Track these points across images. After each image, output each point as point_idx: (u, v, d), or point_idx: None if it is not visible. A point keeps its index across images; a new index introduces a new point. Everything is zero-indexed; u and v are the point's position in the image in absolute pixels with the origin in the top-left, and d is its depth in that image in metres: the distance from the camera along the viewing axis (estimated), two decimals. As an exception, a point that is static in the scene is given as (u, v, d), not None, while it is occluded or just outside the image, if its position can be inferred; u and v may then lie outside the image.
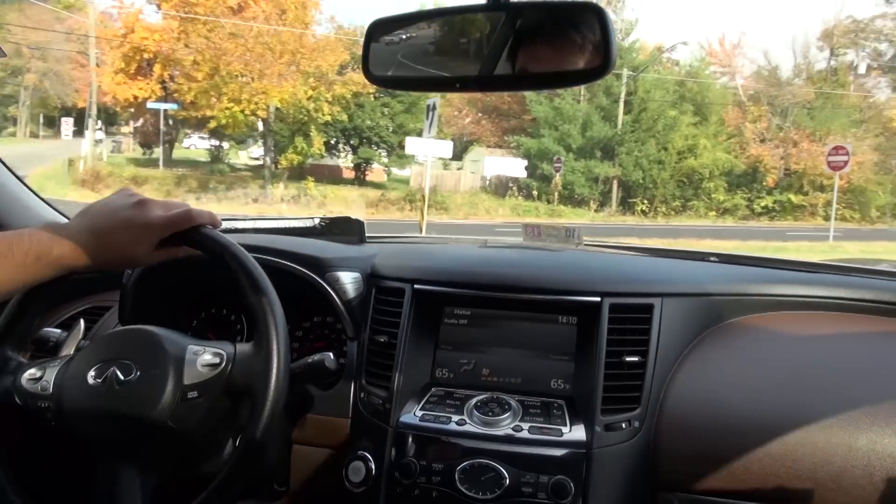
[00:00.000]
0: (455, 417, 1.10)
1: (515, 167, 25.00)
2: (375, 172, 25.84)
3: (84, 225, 0.93)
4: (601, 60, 0.84)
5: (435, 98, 10.74)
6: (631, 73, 23.87)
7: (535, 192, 23.82)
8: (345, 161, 26.28)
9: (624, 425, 1.07)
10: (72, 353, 1.07)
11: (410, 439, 1.09)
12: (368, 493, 1.08)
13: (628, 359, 1.11)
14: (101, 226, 0.93)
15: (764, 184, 24.36)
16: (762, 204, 24.26)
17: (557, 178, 23.12)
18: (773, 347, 1.19)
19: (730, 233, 18.34)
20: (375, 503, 1.08)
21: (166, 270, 1.19)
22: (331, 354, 1.07)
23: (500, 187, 25.12)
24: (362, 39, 0.99)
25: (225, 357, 0.96)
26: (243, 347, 0.98)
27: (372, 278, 1.30)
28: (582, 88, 23.90)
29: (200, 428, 0.96)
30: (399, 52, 0.98)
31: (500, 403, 1.11)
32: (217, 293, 1.38)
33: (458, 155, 28.08)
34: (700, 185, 24.02)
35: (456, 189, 24.89)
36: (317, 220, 1.56)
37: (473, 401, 1.12)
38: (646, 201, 23.91)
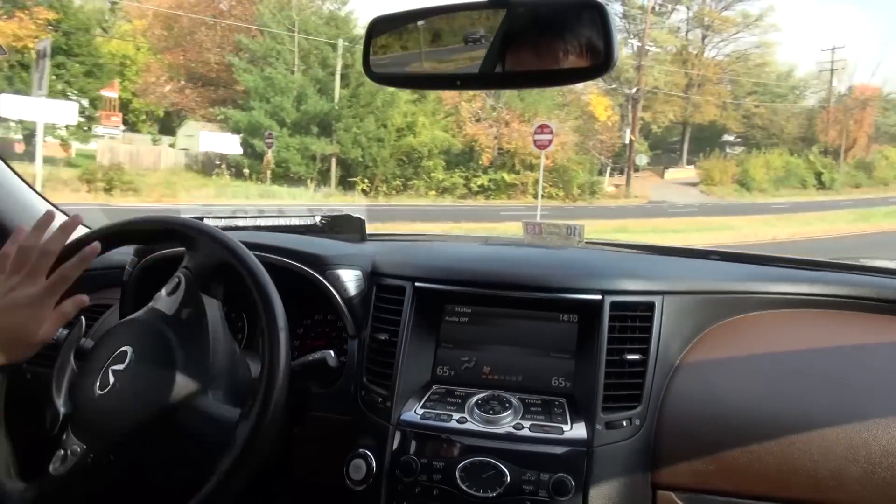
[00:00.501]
0: (456, 415, 1.10)
1: (231, 143, 22.48)
2: (50, 147, 21.37)
3: None
4: (602, 57, 0.84)
5: (46, 41, 8.19)
6: (347, 44, 22.63)
7: (246, 171, 21.56)
8: (15, 132, 21.39)
9: (625, 423, 1.07)
10: (70, 361, 1.07)
11: (411, 437, 1.09)
12: (369, 491, 1.08)
13: (629, 357, 1.11)
14: None
15: (480, 163, 24.62)
16: (479, 183, 24.52)
17: (269, 156, 21.17)
18: (774, 346, 1.19)
19: (448, 214, 18.00)
20: (376, 501, 1.08)
21: (167, 267, 1.19)
22: (332, 352, 1.09)
23: (209, 165, 22.43)
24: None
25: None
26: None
27: (373, 276, 1.30)
28: (296, 58, 22.10)
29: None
30: (400, 49, 0.99)
31: (501, 401, 1.11)
32: None
33: (169, 129, 24.95)
34: (420, 163, 23.68)
35: (155, 167, 21.71)
36: (318, 218, 1.56)
37: (474, 399, 1.13)
38: (367, 180, 23.01)
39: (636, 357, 1.11)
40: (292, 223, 1.55)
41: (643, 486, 1.07)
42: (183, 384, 0.96)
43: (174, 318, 1.02)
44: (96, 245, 1.00)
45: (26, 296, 0.95)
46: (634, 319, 1.14)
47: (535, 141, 16.73)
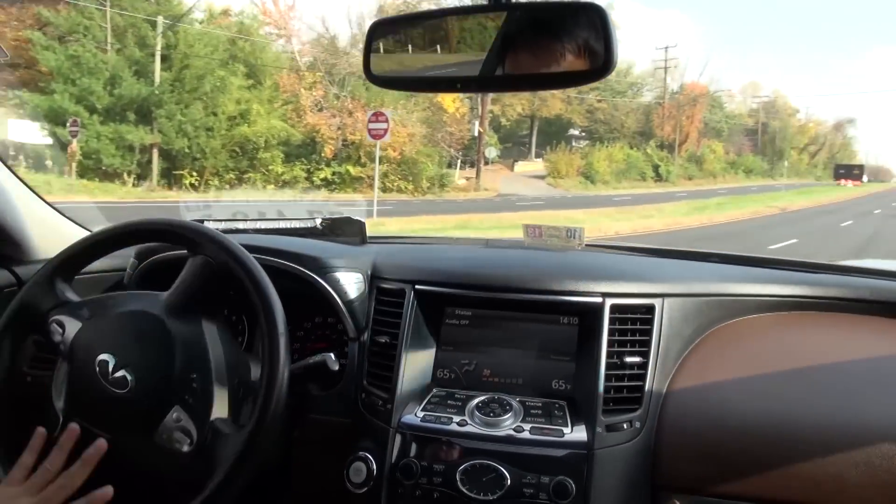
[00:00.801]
0: (456, 418, 1.10)
1: (31, 131, 19.44)
2: None
3: None
4: (602, 60, 0.85)
5: None
6: (168, 21, 20.34)
7: (49, 163, 18.71)
8: None
9: (625, 426, 1.07)
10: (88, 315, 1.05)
11: (412, 440, 1.09)
12: (369, 494, 1.08)
13: (629, 359, 1.11)
14: None
15: (322, 155, 22.91)
16: (321, 176, 22.75)
17: (74, 145, 18.39)
18: (774, 348, 1.20)
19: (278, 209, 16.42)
20: None
21: (168, 270, 1.21)
22: (332, 355, 1.10)
23: (3, 155, 19.26)
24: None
25: (195, 441, 0.95)
26: (219, 433, 0.96)
27: (373, 279, 1.30)
28: (109, 35, 19.52)
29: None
30: (400, 52, 1.00)
31: (502, 404, 1.11)
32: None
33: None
34: (256, 155, 21.73)
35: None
36: (318, 221, 1.57)
37: (475, 401, 1.13)
38: (195, 173, 20.77)
39: (636, 359, 1.11)
40: (293, 226, 1.56)
41: (644, 488, 1.07)
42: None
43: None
44: (96, 443, 0.96)
45: None
46: (635, 322, 1.15)
47: (369, 130, 15.64)
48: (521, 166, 37.57)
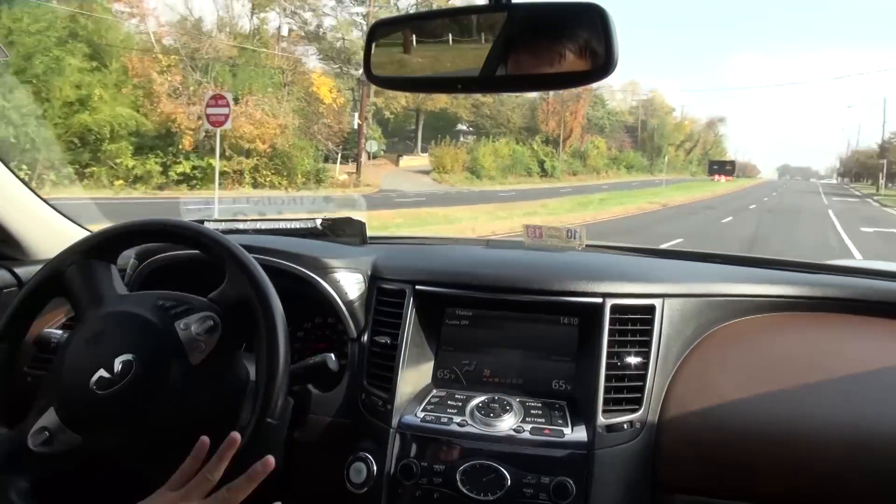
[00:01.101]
0: (457, 418, 1.10)
1: None
2: None
3: None
4: (603, 60, 0.85)
5: None
6: (-14, -7, 17.56)
7: None
8: None
9: (625, 426, 1.07)
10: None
11: (412, 440, 1.10)
12: (370, 494, 1.08)
13: (630, 359, 1.12)
14: None
15: (181, 147, 20.40)
16: (179, 170, 20.30)
17: None
18: (774, 348, 1.20)
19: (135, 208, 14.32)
20: None
21: (166, 270, 1.27)
22: (332, 355, 1.09)
23: None
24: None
25: (216, 316, 0.97)
26: (222, 295, 0.98)
27: (374, 279, 1.30)
28: None
29: (212, 404, 0.97)
30: (401, 53, 0.99)
31: (502, 404, 1.11)
32: None
33: None
34: (100, 146, 19.23)
35: None
36: (318, 221, 1.57)
37: (475, 402, 1.13)
38: (25, 167, 18.09)
39: (637, 360, 1.12)
40: (293, 226, 1.56)
41: (644, 488, 1.07)
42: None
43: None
44: (269, 460, 0.91)
45: None
46: (635, 322, 1.15)
47: (207, 116, 13.74)
48: (406, 161, 36.42)
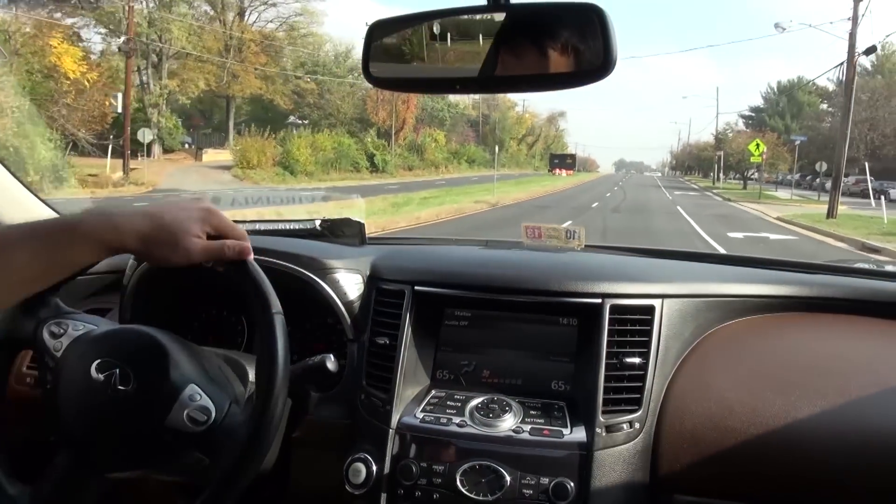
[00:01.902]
0: (456, 419, 1.10)
1: None
2: None
3: (149, 217, 0.93)
4: (601, 61, 0.85)
5: None
6: None
7: None
8: None
9: (625, 427, 1.07)
10: (93, 328, 1.03)
11: (411, 441, 1.09)
12: (369, 495, 1.08)
13: (629, 360, 1.11)
14: (163, 223, 0.92)
15: None
16: None
17: None
18: (774, 349, 1.19)
19: None
20: None
21: (168, 272, 1.21)
22: (331, 356, 1.07)
23: None
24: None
25: (212, 415, 0.94)
26: (234, 411, 0.96)
27: (372, 280, 1.30)
28: None
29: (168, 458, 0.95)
30: (399, 53, 0.99)
31: (501, 405, 1.11)
32: (218, 296, 1.39)
33: None
34: None
35: None
36: (317, 222, 1.56)
37: (474, 402, 1.13)
38: None
39: (636, 360, 1.11)
40: (292, 227, 1.56)
41: (643, 489, 1.07)
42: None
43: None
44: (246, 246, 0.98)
45: (189, 234, 0.93)
46: (634, 323, 1.15)
47: None
48: (212, 155, 31.38)
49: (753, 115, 56.30)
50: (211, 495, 0.90)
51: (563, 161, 50.83)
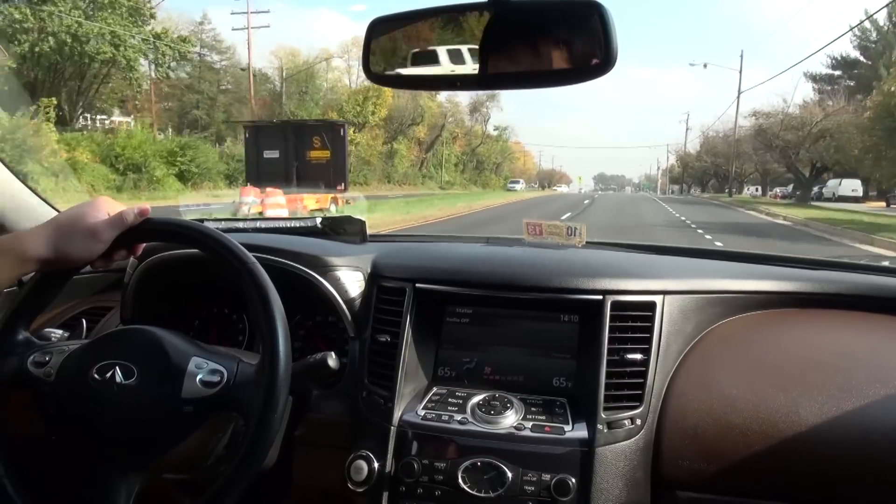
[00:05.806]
0: (457, 416, 1.11)
1: None
2: None
3: (49, 222, 0.98)
4: (602, 57, 0.85)
5: None
6: None
7: None
8: None
9: (626, 423, 1.07)
10: (80, 341, 1.06)
11: (413, 438, 1.10)
12: (371, 493, 1.08)
13: (630, 356, 1.12)
14: (62, 220, 0.98)
15: None
16: None
17: None
18: (776, 345, 1.19)
19: None
20: (378, 503, 1.08)
21: (168, 270, 1.26)
22: (333, 354, 1.08)
23: None
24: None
25: (225, 375, 0.96)
26: (245, 367, 0.97)
27: (374, 277, 1.30)
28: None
29: (192, 439, 0.97)
30: (399, 50, 1.00)
31: (503, 402, 1.12)
32: (219, 293, 1.40)
33: None
34: None
35: None
36: (318, 220, 1.57)
37: (475, 399, 1.13)
38: None
39: (637, 357, 1.12)
40: (293, 225, 1.56)
41: (644, 485, 1.07)
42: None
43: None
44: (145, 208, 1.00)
45: (95, 216, 0.99)
46: (636, 319, 1.15)
47: None
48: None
49: (840, 73, 41.00)
50: (214, 494, 0.90)
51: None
